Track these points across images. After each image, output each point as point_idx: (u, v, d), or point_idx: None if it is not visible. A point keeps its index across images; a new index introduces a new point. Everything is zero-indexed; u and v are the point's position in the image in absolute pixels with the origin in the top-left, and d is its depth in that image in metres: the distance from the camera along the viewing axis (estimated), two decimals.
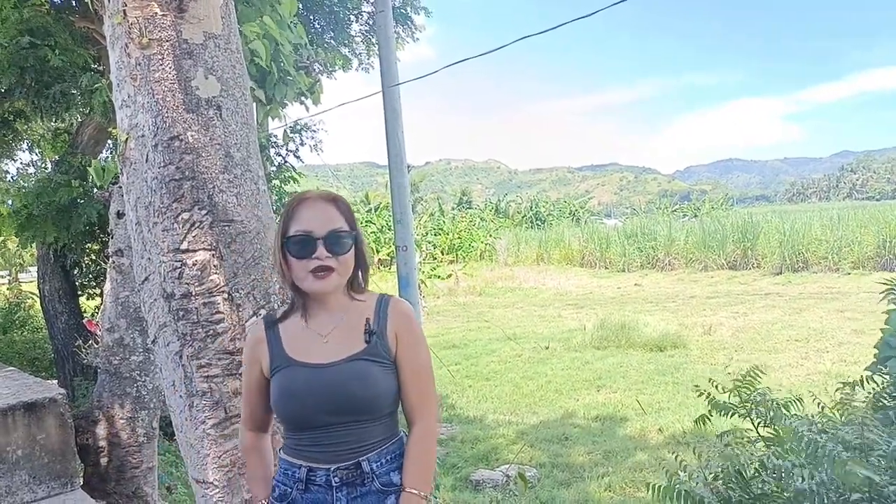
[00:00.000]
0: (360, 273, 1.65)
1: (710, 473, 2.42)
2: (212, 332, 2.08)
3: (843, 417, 2.44)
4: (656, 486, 2.42)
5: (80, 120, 7.24)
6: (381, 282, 17.99)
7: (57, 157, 8.00)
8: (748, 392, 2.57)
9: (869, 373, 2.82)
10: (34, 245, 7.15)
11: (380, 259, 25.20)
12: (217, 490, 2.09)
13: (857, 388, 2.69)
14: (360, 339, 1.60)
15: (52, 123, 8.06)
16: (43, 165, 9.11)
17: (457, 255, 26.87)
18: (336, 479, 1.56)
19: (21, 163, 9.97)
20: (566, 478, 5.19)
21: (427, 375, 1.67)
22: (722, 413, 2.59)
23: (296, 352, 1.61)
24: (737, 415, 2.58)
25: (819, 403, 2.68)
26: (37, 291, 8.00)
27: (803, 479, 2.05)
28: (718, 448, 2.61)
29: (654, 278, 19.47)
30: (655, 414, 6.63)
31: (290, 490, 1.60)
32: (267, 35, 3.92)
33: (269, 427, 1.78)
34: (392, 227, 6.61)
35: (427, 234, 27.27)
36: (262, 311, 2.12)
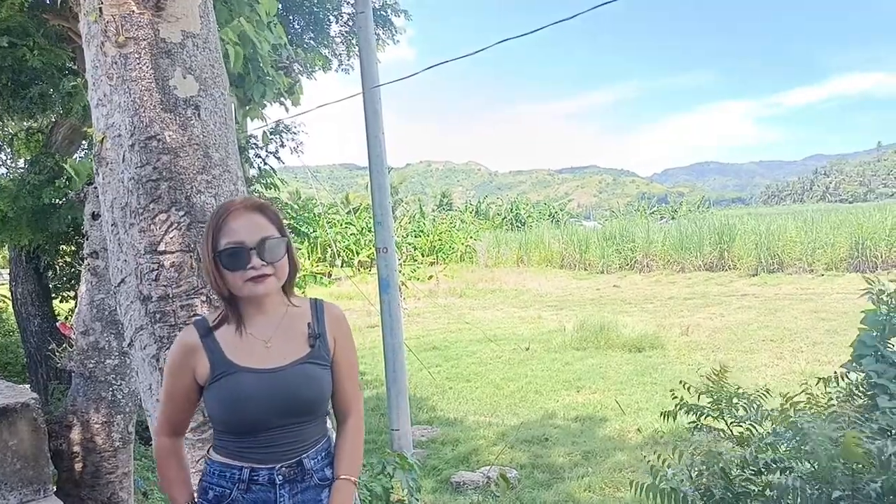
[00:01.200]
0: (290, 278, 1.69)
1: (695, 471, 2.44)
2: None
3: (821, 412, 2.49)
4: (642, 484, 2.44)
5: (53, 120, 7.12)
6: (362, 283, 17.90)
7: (30, 157, 7.84)
8: (718, 394, 2.61)
9: (844, 370, 2.88)
10: (6, 247, 7.00)
11: (360, 261, 25.12)
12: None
13: (830, 383, 2.75)
14: (304, 343, 1.66)
15: (25, 123, 7.91)
16: (14, 165, 8.93)
17: (437, 256, 26.88)
18: (279, 477, 1.61)
19: None
20: (547, 479, 5.21)
21: (356, 373, 1.80)
22: (695, 414, 2.62)
23: (239, 358, 1.62)
24: (710, 416, 2.61)
25: (787, 400, 2.72)
26: (9, 294, 7.84)
27: (784, 476, 2.07)
28: (698, 448, 2.63)
29: (632, 280, 19.65)
30: (634, 414, 6.69)
31: (228, 491, 1.62)
32: (243, 37, 3.88)
33: (184, 431, 1.79)
34: (372, 229, 6.59)
35: (407, 235, 27.24)
36: None
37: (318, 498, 1.66)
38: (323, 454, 1.70)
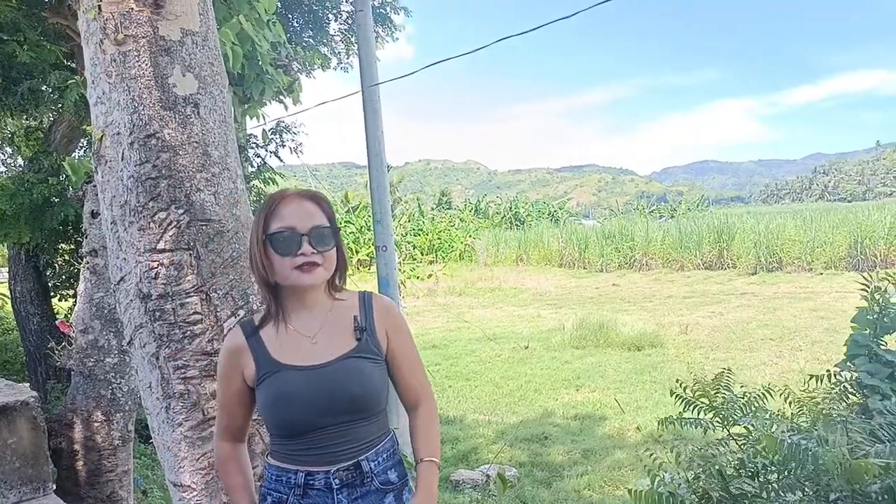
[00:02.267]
0: (339, 271, 1.64)
1: (692, 473, 2.44)
2: (189, 333, 2.06)
3: (815, 413, 2.49)
4: (638, 491, 2.43)
5: (52, 118, 7.11)
6: (361, 282, 17.89)
7: (28, 155, 7.84)
8: (716, 396, 2.60)
9: (837, 369, 2.88)
10: (6, 245, 7.00)
11: (359, 259, 25.11)
12: (194, 493, 2.06)
13: (823, 382, 2.75)
14: (350, 337, 1.59)
15: (24, 121, 7.90)
16: (14, 164, 8.92)
17: (436, 255, 26.88)
18: (336, 480, 1.54)
19: None
20: (546, 477, 5.21)
21: (420, 361, 1.73)
22: (693, 410, 2.61)
23: (284, 356, 1.57)
24: (708, 416, 2.61)
25: (789, 400, 2.72)
26: (8, 293, 7.83)
27: (781, 478, 2.07)
28: (696, 449, 2.63)
29: (631, 278, 19.66)
30: (633, 413, 6.70)
31: (285, 496, 1.56)
32: (242, 35, 3.87)
33: (245, 436, 1.74)
34: (371, 228, 6.58)
35: (407, 234, 27.24)
36: (241, 312, 2.09)
37: (381, 503, 1.58)
38: (385, 456, 1.61)
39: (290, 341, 1.59)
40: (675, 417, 2.61)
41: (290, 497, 1.55)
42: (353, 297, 1.68)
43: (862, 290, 2.81)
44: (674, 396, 2.64)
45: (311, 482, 1.54)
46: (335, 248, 1.60)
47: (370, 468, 1.57)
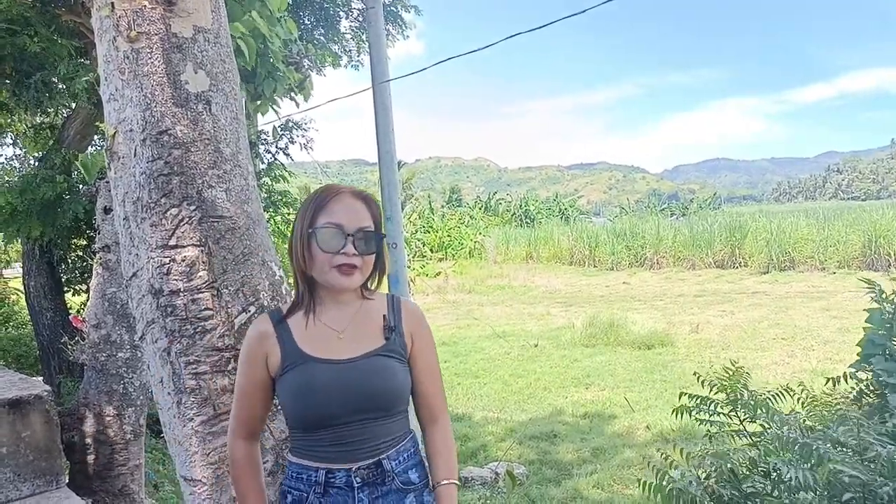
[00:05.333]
0: (377, 274, 1.64)
1: (703, 472, 2.43)
2: (200, 328, 2.07)
3: (830, 414, 2.47)
4: (648, 483, 2.43)
5: (65, 114, 7.16)
6: None
7: (39, 153, 7.90)
8: (732, 389, 2.59)
9: (852, 369, 2.86)
10: (19, 241, 7.07)
11: None
12: (205, 488, 2.07)
13: (840, 384, 2.73)
14: (378, 335, 1.60)
15: (37, 118, 7.96)
16: (26, 161, 9.01)
17: (446, 252, 26.87)
18: (357, 479, 1.53)
19: (4, 157, 9.86)
20: (555, 475, 5.21)
21: (439, 373, 1.71)
22: (707, 411, 2.61)
23: (311, 347, 1.56)
24: (723, 413, 2.60)
25: (802, 401, 2.71)
26: (22, 287, 7.91)
27: (793, 478, 2.06)
28: (706, 446, 2.62)
29: (642, 277, 19.57)
30: (643, 411, 6.67)
31: (305, 494, 1.55)
32: (254, 31, 3.88)
33: (260, 433, 1.72)
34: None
35: (416, 231, 27.24)
36: (252, 308, 2.10)
37: (401, 503, 1.57)
38: (406, 455, 1.61)
39: (318, 334, 1.58)
40: (688, 407, 2.60)
41: (311, 495, 1.54)
42: (381, 297, 1.68)
43: (870, 290, 2.79)
44: (684, 396, 2.63)
45: (331, 480, 1.53)
46: (375, 254, 1.59)
47: (391, 467, 1.57)
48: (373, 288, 1.67)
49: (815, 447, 2.08)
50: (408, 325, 1.65)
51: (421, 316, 1.69)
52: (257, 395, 1.62)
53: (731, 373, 2.61)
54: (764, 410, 2.47)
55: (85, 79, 4.34)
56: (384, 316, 1.62)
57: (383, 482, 1.55)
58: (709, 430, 2.66)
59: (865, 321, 2.88)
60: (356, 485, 1.53)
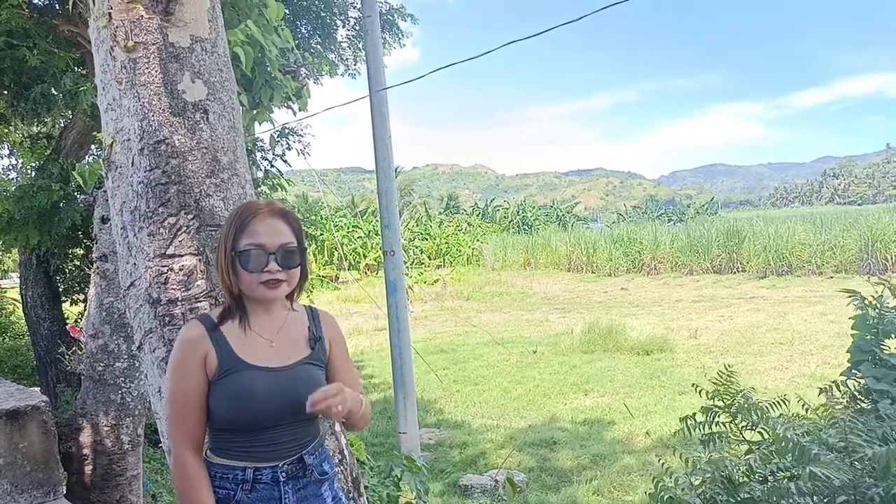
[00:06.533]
0: (300, 286, 1.73)
1: (697, 479, 2.43)
2: None
3: (825, 420, 2.47)
4: (648, 493, 2.42)
5: (62, 124, 7.16)
6: (369, 287, 17.93)
7: (36, 163, 7.90)
8: (731, 395, 2.59)
9: (844, 377, 2.84)
10: (16, 250, 7.05)
11: (367, 264, 25.15)
12: None
13: (835, 390, 2.72)
14: (304, 345, 1.71)
15: (34, 128, 7.96)
16: (24, 170, 9.01)
17: (444, 259, 26.89)
18: (283, 474, 1.64)
19: (1, 167, 9.85)
20: (554, 482, 5.19)
21: (353, 367, 1.88)
22: (708, 417, 2.61)
23: (247, 355, 1.63)
24: (722, 419, 2.60)
25: (804, 405, 2.70)
26: (19, 297, 7.89)
27: (788, 481, 2.06)
28: (704, 452, 2.62)
29: (640, 282, 19.59)
30: (643, 417, 6.66)
31: (232, 492, 1.61)
32: (251, 40, 3.90)
33: (203, 442, 1.68)
34: (379, 232, 6.59)
35: (414, 238, 27.26)
36: None
37: (319, 492, 1.70)
38: (320, 450, 1.75)
39: (252, 342, 1.66)
40: (693, 417, 2.60)
41: (238, 493, 1.61)
42: (302, 309, 1.79)
43: (852, 298, 2.79)
44: (689, 396, 2.62)
45: (259, 477, 1.62)
46: (300, 266, 1.68)
47: (311, 461, 1.69)
48: (297, 299, 1.77)
49: (807, 447, 2.08)
50: (327, 332, 1.78)
51: (335, 323, 1.84)
52: (199, 401, 1.62)
53: (724, 376, 2.62)
54: (760, 415, 2.47)
55: (90, 95, 4.35)
56: (309, 327, 1.74)
57: (304, 475, 1.67)
58: (705, 436, 2.66)
59: (852, 328, 2.86)
60: (282, 479, 1.64)
